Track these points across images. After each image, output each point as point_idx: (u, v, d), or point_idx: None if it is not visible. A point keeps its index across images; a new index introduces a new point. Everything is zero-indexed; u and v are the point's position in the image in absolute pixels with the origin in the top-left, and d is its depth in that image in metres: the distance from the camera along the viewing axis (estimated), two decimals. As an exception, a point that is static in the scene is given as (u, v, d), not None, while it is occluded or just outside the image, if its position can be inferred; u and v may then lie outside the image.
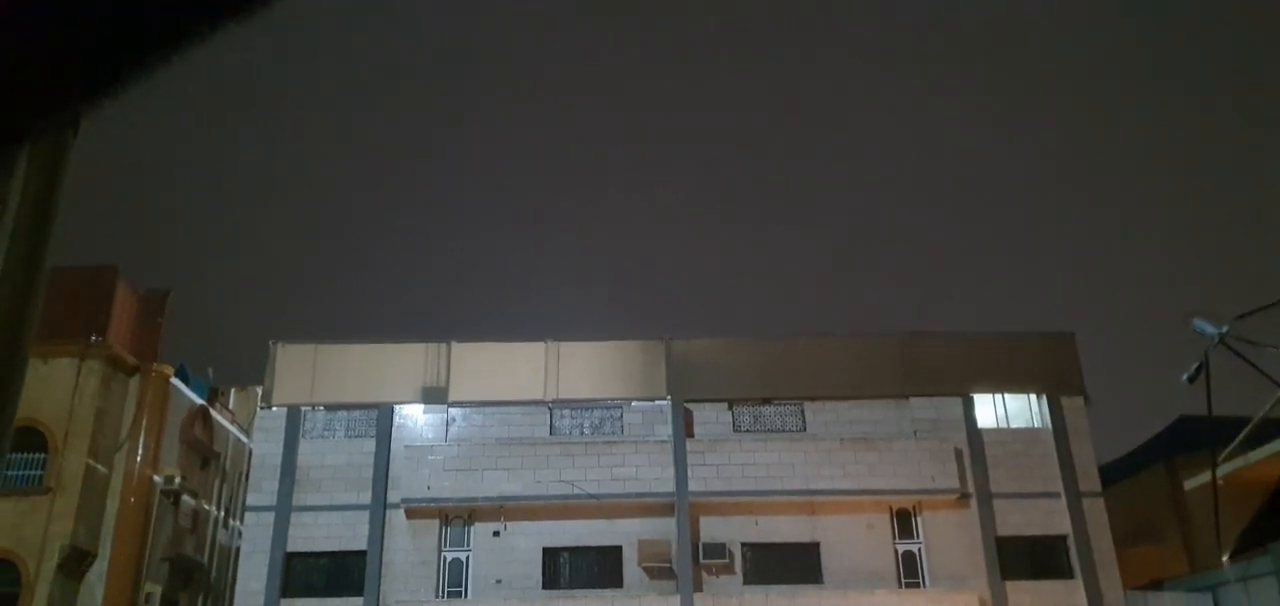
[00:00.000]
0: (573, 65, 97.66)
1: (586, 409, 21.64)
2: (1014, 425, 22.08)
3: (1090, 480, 21.41)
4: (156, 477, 22.98)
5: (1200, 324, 14.89)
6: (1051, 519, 21.04)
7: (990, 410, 22.18)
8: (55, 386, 21.01)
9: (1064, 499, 21.11)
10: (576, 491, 20.09)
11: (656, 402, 21.58)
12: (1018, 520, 20.97)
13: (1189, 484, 23.32)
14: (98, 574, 21.24)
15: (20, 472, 20.61)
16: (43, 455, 20.89)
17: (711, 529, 20.43)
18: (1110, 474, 24.05)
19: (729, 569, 20.26)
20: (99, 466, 21.61)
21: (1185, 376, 17.32)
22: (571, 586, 20.04)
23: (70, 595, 20.64)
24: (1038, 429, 21.98)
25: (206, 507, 25.68)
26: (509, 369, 21.66)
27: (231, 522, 26.61)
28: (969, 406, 21.90)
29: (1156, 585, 22.30)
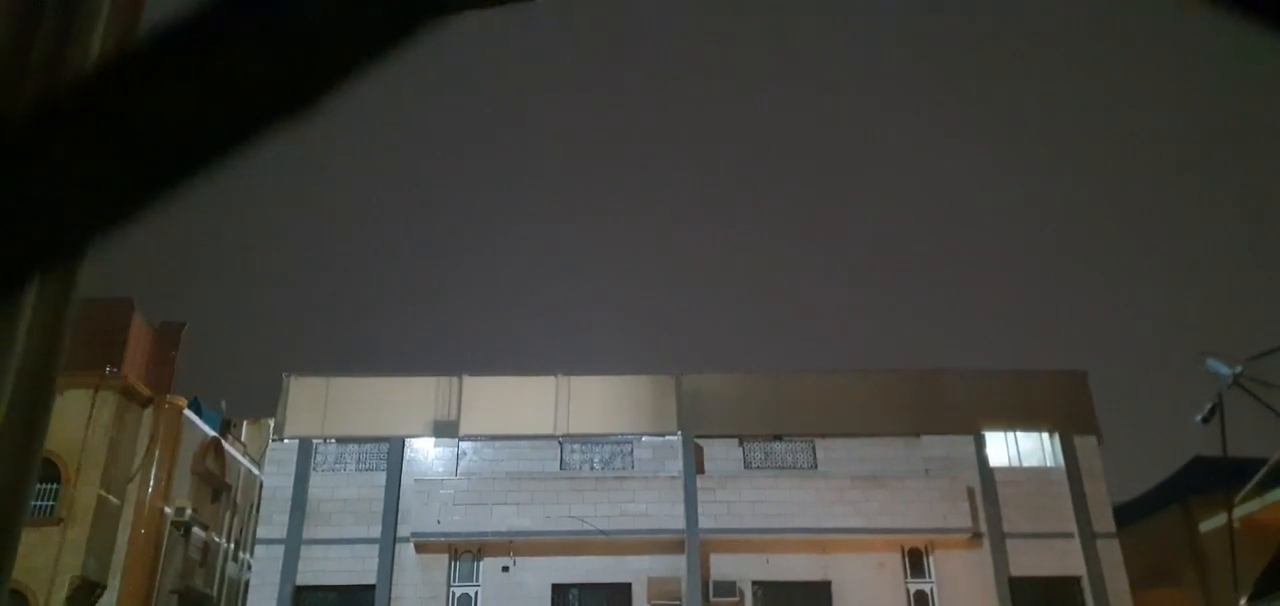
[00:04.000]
0: (584, 98, 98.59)
1: (597, 443, 21.62)
2: (1027, 464, 21.93)
3: (1104, 520, 21.20)
4: (167, 509, 23.05)
5: (1214, 364, 14.82)
6: (1065, 559, 20.81)
7: (1003, 449, 22.05)
8: (69, 417, 21.18)
9: (1078, 539, 20.90)
10: (586, 527, 20.02)
11: (667, 438, 21.55)
12: (1031, 560, 20.75)
13: (1205, 526, 23.05)
14: (107, 605, 21.25)
15: (32, 502, 20.70)
16: (55, 485, 21.00)
17: (722, 566, 20.29)
18: (1125, 514, 23.80)
19: (739, 607, 20.08)
20: (111, 497, 21.70)
21: (1199, 417, 17.20)
22: (580, 623, 19.89)
23: (79, 626, 20.64)
24: (1050, 468, 21.81)
25: (217, 540, 25.70)
26: (520, 402, 21.70)
27: (241, 555, 26.60)
28: (981, 444, 21.78)
29: (1173, 628, 21.98)
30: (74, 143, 0.31)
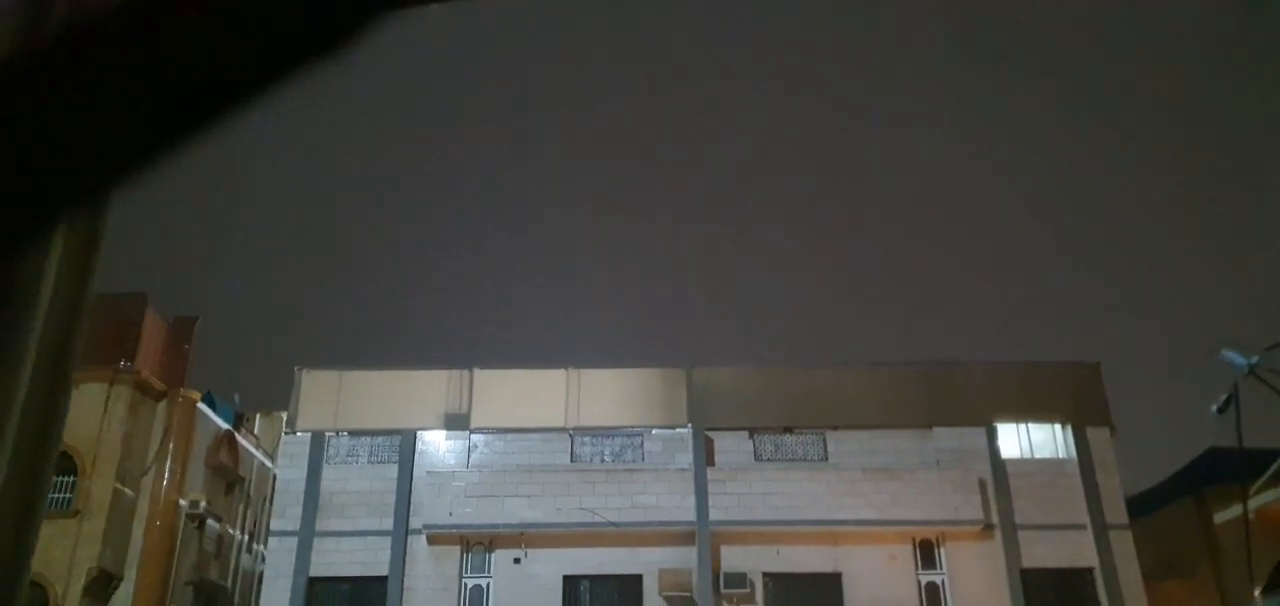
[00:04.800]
0: (595, 92, 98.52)
1: (607, 436, 21.68)
2: (1039, 455, 21.85)
3: (1117, 512, 21.12)
4: (182, 502, 23.24)
5: (1229, 355, 14.75)
6: (1078, 551, 20.74)
7: (1015, 440, 21.98)
8: (84, 411, 21.36)
9: (1090, 531, 20.82)
10: (597, 519, 20.08)
11: (677, 430, 21.58)
12: (1043, 552, 20.68)
13: (1219, 517, 22.91)
14: (124, 596, 21.46)
15: (49, 495, 20.92)
16: (72, 478, 21.21)
17: (732, 558, 20.32)
18: (1138, 505, 23.68)
19: (750, 599, 20.12)
20: (126, 490, 21.90)
21: (1214, 407, 17.10)
22: (592, 615, 19.98)
23: (96, 618, 20.86)
24: (1063, 459, 21.73)
25: (231, 532, 25.91)
26: (530, 395, 21.76)
27: (255, 547, 26.81)
28: (993, 436, 21.71)
29: (1187, 620, 21.88)
30: (101, 76, 0.30)
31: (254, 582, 25.50)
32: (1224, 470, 23.25)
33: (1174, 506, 25.48)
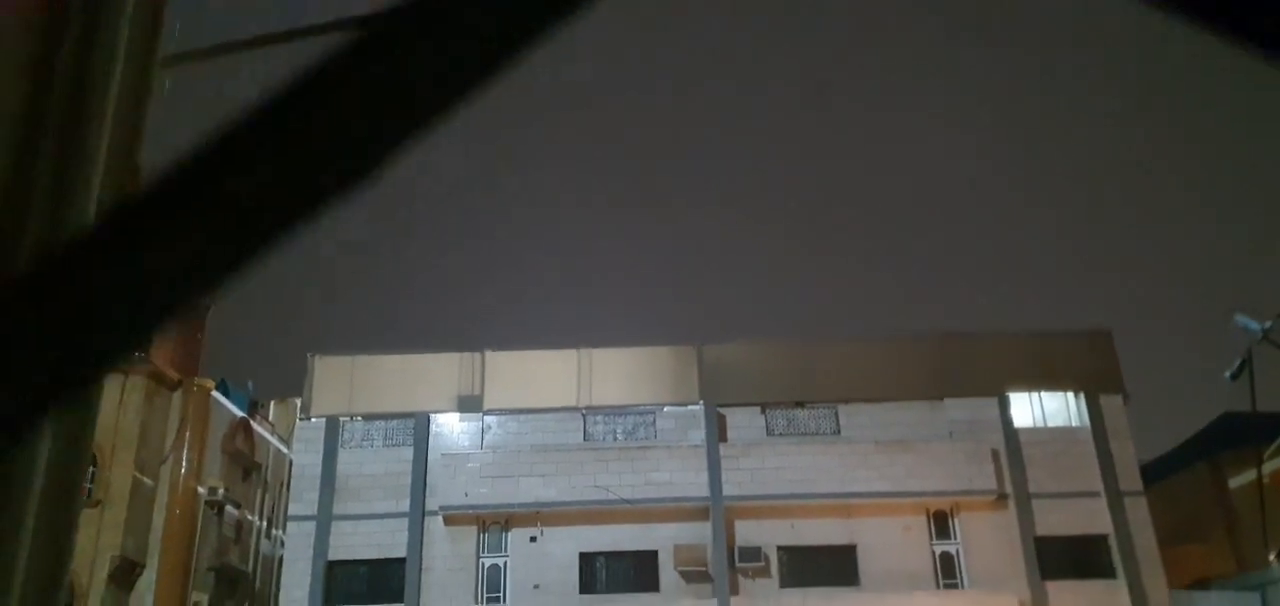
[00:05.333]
0: (603, 71, 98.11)
1: (619, 415, 21.76)
2: (1052, 424, 21.82)
3: (1131, 478, 21.10)
4: (201, 489, 23.49)
5: (1243, 320, 14.66)
6: (1092, 518, 20.75)
7: (1028, 410, 21.95)
8: (101, 402, 21.54)
9: (1104, 498, 20.82)
10: (611, 497, 20.20)
11: (689, 408, 21.64)
12: (1057, 520, 20.71)
13: (1234, 481, 22.88)
14: (147, 583, 21.77)
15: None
16: (92, 469, 21.46)
17: (747, 532, 20.43)
18: (1153, 472, 23.67)
19: (765, 572, 20.24)
20: (145, 479, 22.14)
21: (1228, 373, 17.02)
22: (608, 590, 20.15)
23: (122, 605, 21.16)
24: (1076, 428, 21.69)
25: (249, 518, 26.19)
26: (542, 376, 21.85)
27: (274, 532, 27.09)
28: (1005, 406, 21.69)
29: (1202, 584, 21.91)
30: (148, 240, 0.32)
31: (274, 567, 25.79)
32: (1239, 435, 23.20)
33: (1189, 472, 25.48)
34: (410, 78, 0.36)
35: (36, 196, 1.46)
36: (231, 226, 0.34)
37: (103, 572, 20.68)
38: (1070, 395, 22.01)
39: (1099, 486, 20.94)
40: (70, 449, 1.55)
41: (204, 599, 23.34)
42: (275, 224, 0.35)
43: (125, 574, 21.25)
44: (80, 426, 1.61)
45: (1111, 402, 21.71)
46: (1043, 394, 22.04)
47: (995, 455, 20.98)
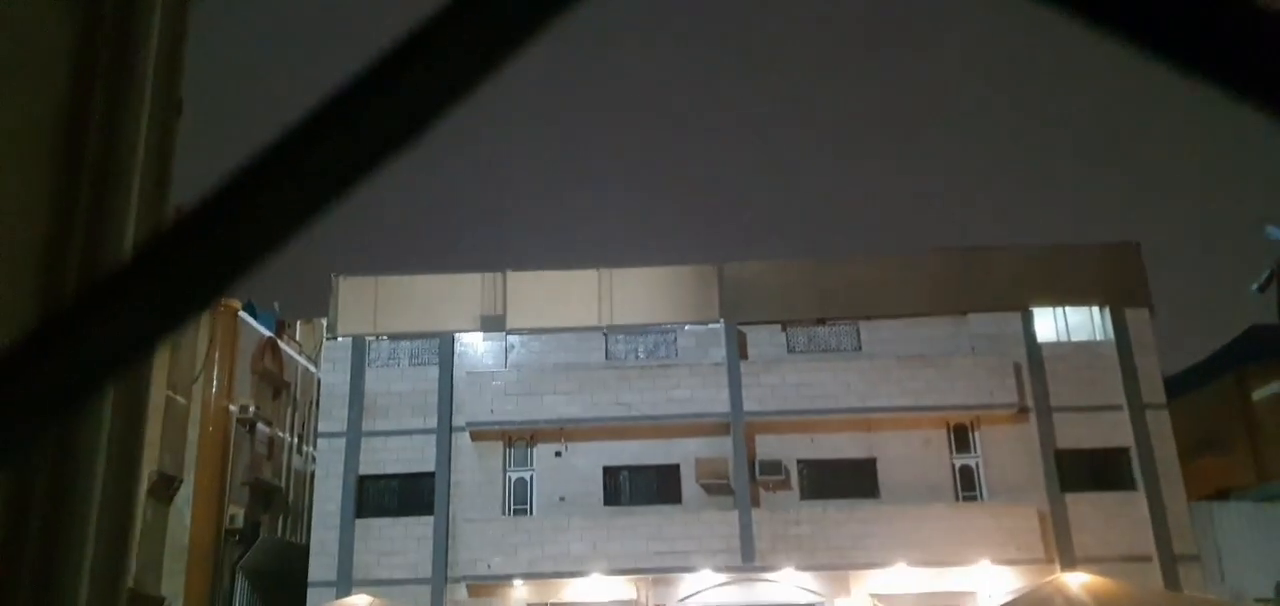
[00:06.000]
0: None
1: (640, 334, 21.91)
2: (1075, 338, 21.75)
3: (1154, 392, 21.07)
4: (232, 407, 24.05)
5: (1274, 230, 14.42)
6: (1114, 431, 20.82)
7: (1051, 324, 21.86)
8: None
9: (1126, 411, 20.85)
10: (633, 414, 20.50)
11: (710, 326, 21.74)
12: (1079, 433, 20.81)
13: (1257, 394, 22.82)
14: (184, 497, 22.48)
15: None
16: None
17: (767, 447, 20.71)
18: (1177, 385, 23.62)
19: (785, 485, 20.58)
20: (178, 397, 22.67)
21: (1255, 285, 16.83)
22: (632, 502, 20.60)
23: (161, 518, 21.91)
24: (1100, 342, 21.61)
25: (280, 435, 26.83)
26: (563, 296, 21.98)
27: (305, 448, 27.78)
28: (1029, 321, 21.61)
29: (1223, 495, 22.06)
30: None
31: (306, 482, 26.53)
32: (1265, 348, 23.04)
33: (1214, 385, 25.41)
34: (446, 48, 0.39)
35: (76, 225, 1.63)
36: (270, 217, 0.39)
37: (143, 488, 21.37)
38: (1095, 309, 21.87)
39: (1122, 400, 20.95)
40: (129, 420, 1.70)
41: (239, 512, 24.11)
42: (318, 200, 0.40)
43: (164, 488, 21.94)
44: (136, 400, 1.75)
45: (1137, 316, 21.55)
46: (1068, 308, 21.91)
47: (1017, 369, 21.00)
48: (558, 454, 20.90)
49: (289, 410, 27.57)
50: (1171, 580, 19.39)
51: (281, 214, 0.39)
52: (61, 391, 0.35)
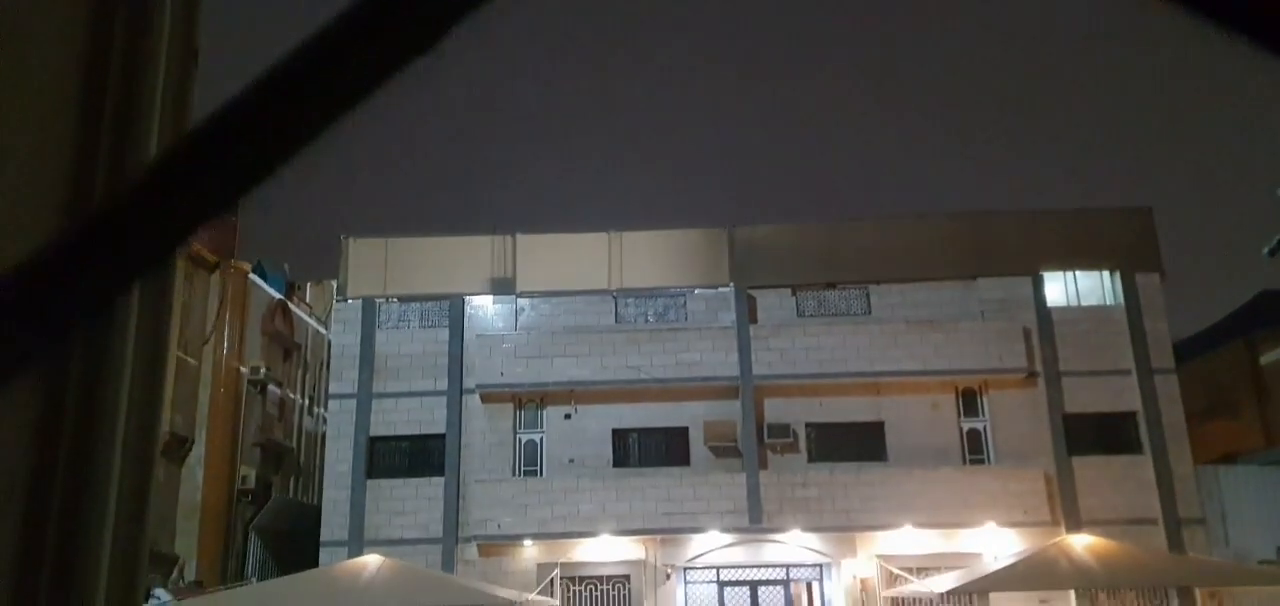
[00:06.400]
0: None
1: (650, 297, 21.92)
2: (1085, 303, 21.67)
3: (1163, 356, 21.03)
4: (243, 369, 24.21)
5: (1289, 194, 14.30)
6: (1122, 396, 20.82)
7: (1061, 289, 21.79)
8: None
9: (1135, 376, 20.83)
10: (643, 376, 20.57)
11: (720, 290, 21.72)
12: (1087, 397, 20.81)
13: (1265, 358, 22.75)
14: (197, 457, 22.72)
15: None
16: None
17: (776, 410, 20.78)
18: (1187, 350, 23.57)
19: (794, 447, 20.68)
20: (190, 359, 22.83)
21: (1267, 249, 16.71)
22: (640, 464, 20.74)
23: (174, 478, 22.16)
24: (1110, 306, 21.54)
25: (292, 396, 27.03)
26: (573, 259, 21.98)
27: (316, 410, 27.99)
28: (1039, 285, 21.54)
29: (1230, 459, 22.09)
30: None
31: (317, 442, 26.76)
32: (1275, 313, 22.92)
33: (1223, 350, 25.36)
34: None
35: (98, 173, 1.71)
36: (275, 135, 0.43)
37: (155, 448, 21.56)
38: (1105, 274, 21.76)
39: (1130, 364, 20.91)
40: (155, 315, 1.82)
41: (251, 472, 24.37)
42: (322, 119, 0.44)
43: (176, 448, 22.17)
44: (160, 296, 1.85)
45: (1147, 280, 21.45)
46: (1078, 273, 21.81)
47: (1026, 333, 20.96)
48: (567, 416, 21.02)
49: (300, 371, 27.75)
50: (1176, 543, 19.48)
51: (282, 133, 0.42)
52: (90, 292, 0.38)
